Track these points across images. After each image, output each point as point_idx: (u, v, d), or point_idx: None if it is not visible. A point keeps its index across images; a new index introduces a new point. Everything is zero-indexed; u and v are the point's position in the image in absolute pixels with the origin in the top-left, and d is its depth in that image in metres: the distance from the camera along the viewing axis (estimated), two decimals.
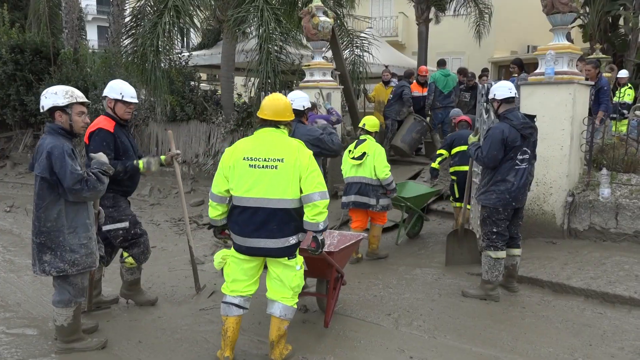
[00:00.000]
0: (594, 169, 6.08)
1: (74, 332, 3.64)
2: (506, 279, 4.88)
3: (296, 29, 10.00)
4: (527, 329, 4.09)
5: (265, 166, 3.27)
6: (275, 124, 3.39)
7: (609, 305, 4.46)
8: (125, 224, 4.28)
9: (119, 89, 4.26)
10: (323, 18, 8.14)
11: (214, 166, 10.85)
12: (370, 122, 5.87)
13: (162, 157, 4.58)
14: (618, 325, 4.11)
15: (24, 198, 9.64)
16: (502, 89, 4.59)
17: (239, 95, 12.33)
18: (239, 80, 14.06)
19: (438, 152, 6.64)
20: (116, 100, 4.24)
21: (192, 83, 11.95)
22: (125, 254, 4.41)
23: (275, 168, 3.26)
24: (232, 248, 3.45)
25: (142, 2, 10.48)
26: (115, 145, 4.15)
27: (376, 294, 4.90)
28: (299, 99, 4.75)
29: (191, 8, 9.98)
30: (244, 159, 3.31)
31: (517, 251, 4.81)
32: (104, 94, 4.30)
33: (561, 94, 5.74)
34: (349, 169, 5.72)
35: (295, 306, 3.47)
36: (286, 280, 3.39)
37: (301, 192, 3.27)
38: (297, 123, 4.69)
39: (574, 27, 15.37)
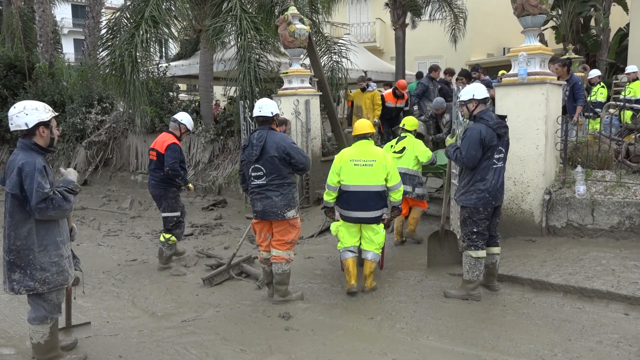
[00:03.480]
0: (569, 167, 6.19)
1: (51, 350, 3.57)
2: (487, 278, 4.92)
3: (274, 36, 10.05)
4: (508, 326, 4.14)
5: (364, 164, 4.88)
6: (364, 137, 4.98)
7: (587, 300, 4.53)
8: (178, 213, 6.02)
9: (192, 125, 6.24)
10: (299, 25, 8.19)
11: (195, 177, 10.80)
12: (410, 122, 6.75)
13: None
14: (596, 320, 4.18)
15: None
16: (480, 89, 4.68)
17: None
18: (218, 89, 14.03)
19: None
20: (188, 130, 6.17)
21: (171, 94, 11.89)
22: (168, 235, 6.02)
23: (372, 166, 4.86)
24: (340, 219, 5.08)
25: (118, 14, 10.43)
26: (180, 153, 5.99)
27: (359, 297, 4.91)
28: (266, 105, 4.75)
29: (168, 18, 9.96)
30: (351, 160, 4.91)
31: (496, 250, 4.87)
32: (182, 122, 6.09)
33: (534, 94, 5.85)
34: None
35: (380, 253, 5.11)
36: (374, 239, 5.00)
37: (387, 182, 4.90)
38: (269, 130, 4.69)
39: (546, 28, 15.74)
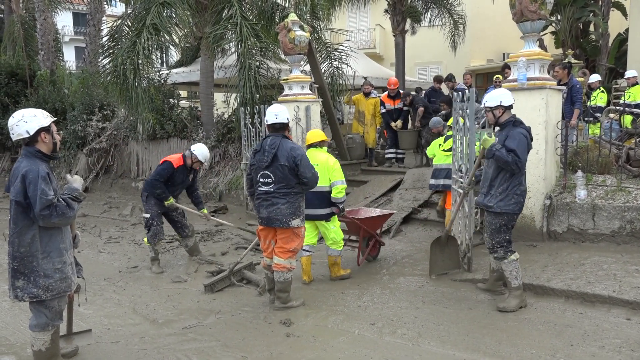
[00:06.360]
0: (570, 172, 6.20)
1: (52, 357, 3.56)
2: (494, 282, 4.90)
3: (274, 43, 10.08)
4: (509, 332, 4.13)
5: None
6: (315, 145, 5.58)
7: (589, 305, 4.52)
8: (147, 215, 6.37)
9: (205, 158, 6.43)
10: (299, 32, 8.22)
11: None
12: None
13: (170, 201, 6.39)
14: (598, 325, 4.17)
15: (2, 223, 9.46)
16: (506, 95, 4.59)
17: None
18: (218, 96, 14.07)
19: None
20: (200, 162, 6.41)
21: (172, 101, 11.92)
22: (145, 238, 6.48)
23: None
24: None
25: (120, 22, 10.48)
26: (170, 176, 6.29)
27: (360, 304, 4.91)
28: (282, 112, 4.75)
29: (169, 26, 10.00)
30: None
31: None
32: (195, 153, 6.32)
33: (534, 100, 5.87)
34: (439, 157, 6.93)
35: (340, 248, 5.67)
36: (327, 235, 5.62)
37: (330, 181, 5.44)
38: (282, 138, 4.68)
39: (546, 34, 15.79)
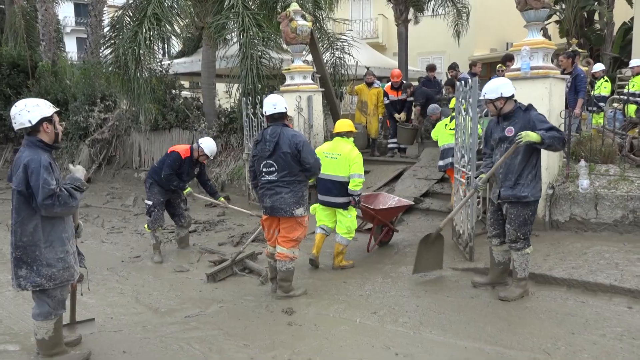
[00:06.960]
0: (573, 161, 6.17)
1: (55, 345, 3.59)
2: (501, 275, 4.87)
3: (276, 33, 10.04)
4: (511, 320, 4.13)
5: (331, 157, 5.57)
6: (340, 135, 5.68)
7: (590, 293, 4.52)
8: (150, 202, 6.44)
9: (211, 152, 6.43)
10: (301, 22, 8.18)
11: None
12: None
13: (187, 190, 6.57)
14: (600, 313, 4.17)
15: (5, 214, 9.50)
16: (507, 86, 4.45)
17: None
18: (220, 86, 14.04)
19: None
20: (206, 155, 6.42)
21: (174, 91, 11.90)
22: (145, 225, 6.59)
23: (336, 158, 5.55)
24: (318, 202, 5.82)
25: (121, 12, 10.44)
26: (178, 165, 6.30)
27: (362, 293, 4.92)
28: (280, 101, 4.75)
29: (171, 16, 9.96)
30: (323, 152, 5.60)
31: None
32: (201, 147, 6.35)
33: (538, 89, 5.83)
34: (446, 137, 7.02)
35: (350, 238, 5.73)
36: (343, 222, 5.69)
37: (350, 172, 5.50)
38: (282, 127, 4.70)
39: (550, 23, 15.67)
